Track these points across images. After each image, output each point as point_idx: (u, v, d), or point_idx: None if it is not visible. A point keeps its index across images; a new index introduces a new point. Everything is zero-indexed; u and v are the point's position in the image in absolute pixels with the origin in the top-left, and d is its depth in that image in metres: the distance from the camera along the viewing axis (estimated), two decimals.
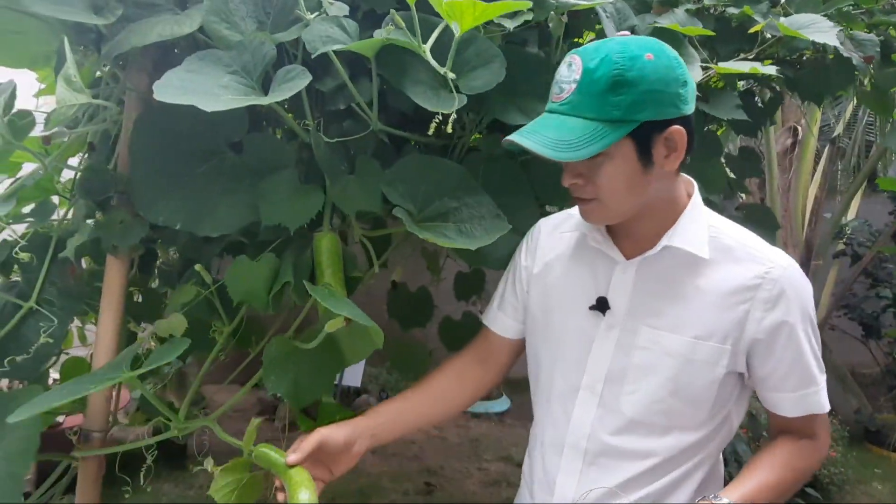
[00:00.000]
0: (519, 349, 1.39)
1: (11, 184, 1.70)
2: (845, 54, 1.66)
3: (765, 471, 1.13)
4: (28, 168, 1.86)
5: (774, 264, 1.11)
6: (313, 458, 1.15)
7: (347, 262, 1.50)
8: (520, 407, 5.41)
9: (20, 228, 1.60)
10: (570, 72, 1.05)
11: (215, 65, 1.21)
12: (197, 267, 1.33)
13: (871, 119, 5.85)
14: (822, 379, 1.15)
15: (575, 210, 1.26)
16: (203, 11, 1.24)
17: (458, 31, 1.21)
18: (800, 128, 5.00)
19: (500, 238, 1.36)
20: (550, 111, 1.08)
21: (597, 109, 1.01)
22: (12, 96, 1.37)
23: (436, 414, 1.36)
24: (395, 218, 1.68)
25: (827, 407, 1.16)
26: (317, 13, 1.30)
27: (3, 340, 1.25)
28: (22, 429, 1.11)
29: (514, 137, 1.06)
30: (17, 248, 1.24)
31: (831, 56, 1.85)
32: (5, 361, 1.21)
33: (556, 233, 1.31)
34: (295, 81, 1.19)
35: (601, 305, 1.17)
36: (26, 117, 1.40)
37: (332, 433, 1.16)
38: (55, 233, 1.33)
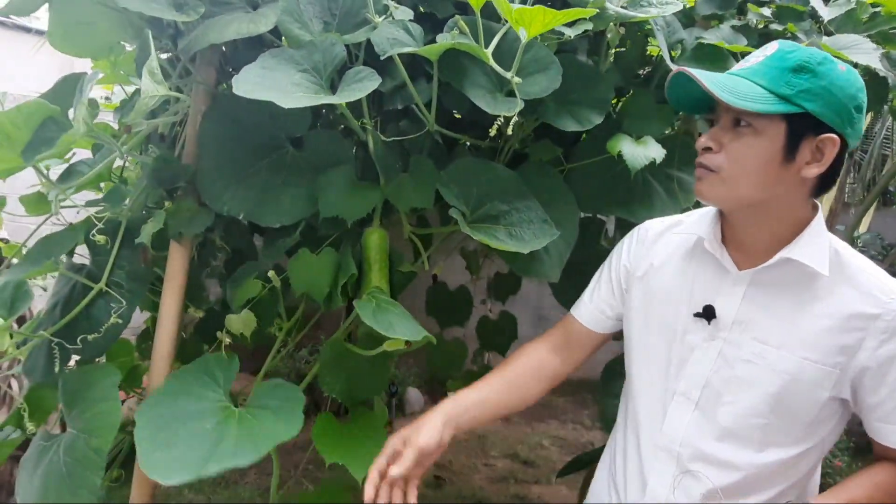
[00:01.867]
0: (598, 345, 1.39)
1: (66, 169, 1.76)
2: (882, 73, 1.69)
3: (857, 489, 1.13)
4: (80, 154, 1.92)
5: None
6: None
7: (395, 258, 1.55)
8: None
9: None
10: (763, 50, 1.07)
11: (288, 62, 1.26)
12: (270, 273, 1.38)
13: (887, 133, 5.87)
14: None
15: (685, 216, 1.28)
16: (277, 11, 1.29)
17: (525, 37, 1.24)
18: None
19: (553, 251, 1.40)
20: (728, 74, 1.08)
21: (772, 81, 1.02)
22: (89, 86, 1.43)
23: (512, 403, 1.34)
24: (439, 217, 1.74)
25: None
26: (384, 16, 1.35)
27: (75, 319, 1.30)
28: (103, 403, 1.16)
29: (689, 71, 1.05)
30: (94, 231, 1.29)
31: (864, 77, 1.88)
32: (78, 339, 1.26)
33: (668, 234, 1.29)
34: (364, 83, 1.23)
35: (707, 314, 1.15)
36: (94, 106, 1.46)
37: (427, 442, 1.15)
38: (124, 218, 1.38)
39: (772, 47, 1.06)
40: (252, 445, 1.13)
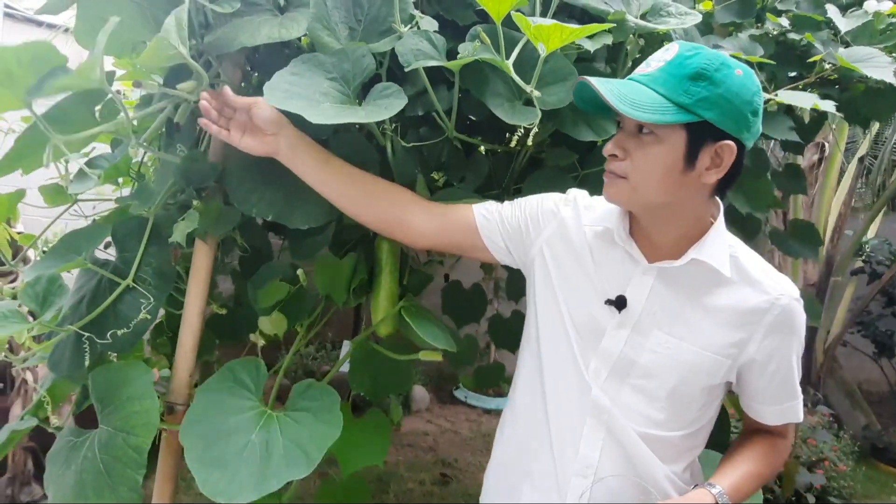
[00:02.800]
0: (469, 246, 1.38)
1: (85, 162, 1.78)
2: None
3: (748, 462, 1.24)
4: (100, 149, 1.95)
5: (784, 292, 1.17)
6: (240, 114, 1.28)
7: (409, 261, 1.58)
8: None
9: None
10: (664, 53, 1.10)
11: (317, 69, 1.28)
12: (299, 272, 1.41)
13: None
14: (800, 392, 1.26)
15: (599, 202, 1.31)
16: (308, 17, 1.31)
17: (543, 52, 1.26)
18: (827, 144, 5.03)
19: None
20: (629, 80, 1.11)
21: (671, 89, 1.05)
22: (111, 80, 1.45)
23: (345, 189, 1.35)
24: None
25: (802, 417, 1.27)
26: (409, 25, 1.37)
27: (102, 315, 1.33)
28: (140, 402, 1.19)
29: (589, 80, 1.07)
30: (123, 226, 1.31)
31: (877, 84, 1.90)
32: (108, 335, 1.29)
33: (583, 218, 1.31)
34: (391, 100, 1.25)
35: (619, 303, 1.21)
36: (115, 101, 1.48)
37: (267, 108, 1.25)
38: (151, 215, 1.41)
39: (672, 50, 1.08)
40: (303, 454, 1.17)
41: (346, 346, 2.34)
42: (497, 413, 5.28)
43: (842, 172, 5.38)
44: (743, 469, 1.22)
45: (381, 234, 1.42)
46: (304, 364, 4.89)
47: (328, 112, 1.18)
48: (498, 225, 1.35)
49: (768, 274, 1.20)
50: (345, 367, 1.61)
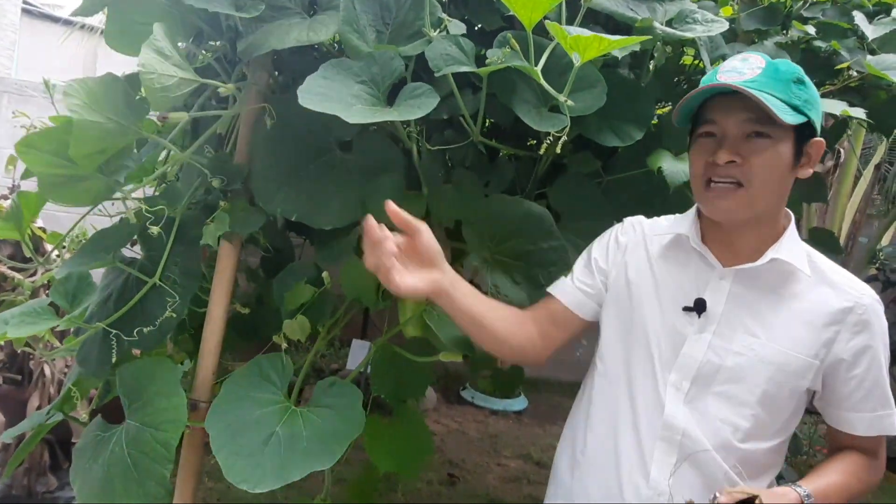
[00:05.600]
0: (575, 330, 1.38)
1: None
2: None
3: (836, 474, 1.21)
4: None
5: (865, 293, 1.19)
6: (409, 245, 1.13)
7: None
8: (537, 406, 5.49)
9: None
10: (747, 62, 1.13)
11: (347, 73, 1.29)
12: (324, 276, 1.42)
13: None
14: (893, 403, 1.22)
15: (661, 218, 1.35)
16: (337, 20, 1.32)
17: (578, 61, 1.25)
18: (842, 150, 5.01)
19: None
20: (730, 84, 1.11)
21: (785, 93, 1.10)
22: (137, 83, 1.47)
23: (490, 324, 1.27)
24: None
25: None
26: (438, 30, 1.37)
27: (129, 312, 1.35)
28: (167, 398, 1.21)
29: (742, 89, 1.09)
30: (150, 226, 1.33)
31: None
32: (135, 332, 1.31)
33: (648, 232, 1.34)
34: (421, 100, 1.26)
35: (699, 307, 1.21)
36: (144, 102, 1.49)
37: (431, 237, 1.13)
38: (178, 215, 1.42)
39: (756, 59, 1.13)
40: (325, 447, 1.18)
41: (355, 345, 2.34)
42: (504, 414, 5.29)
43: (857, 179, 5.36)
44: (832, 479, 1.19)
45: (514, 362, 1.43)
46: (313, 362, 4.90)
47: (363, 112, 1.19)
48: (578, 292, 1.35)
49: (846, 275, 1.22)
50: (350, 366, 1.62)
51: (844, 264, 4.40)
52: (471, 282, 2.06)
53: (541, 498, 1.43)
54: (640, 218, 1.39)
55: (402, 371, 1.48)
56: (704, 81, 1.18)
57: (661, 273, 1.27)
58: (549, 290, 1.39)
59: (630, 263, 1.31)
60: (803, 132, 1.14)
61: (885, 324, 1.20)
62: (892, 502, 4.21)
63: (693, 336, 1.20)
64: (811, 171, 1.18)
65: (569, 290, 1.37)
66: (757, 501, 1.04)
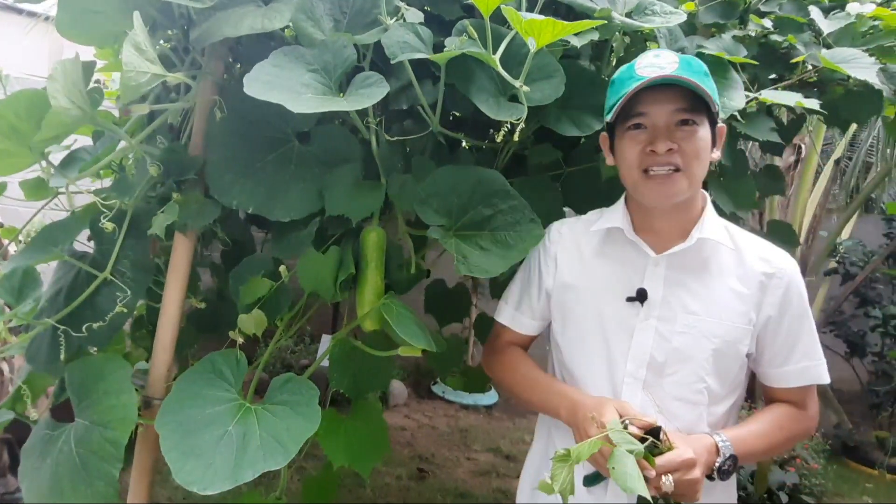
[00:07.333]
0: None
1: (66, 156, 1.75)
2: (877, 87, 1.73)
3: (757, 423, 1.29)
4: (82, 141, 1.91)
5: (783, 257, 1.31)
6: None
7: (394, 255, 1.57)
8: (507, 401, 5.51)
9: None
10: (660, 57, 1.21)
11: (298, 61, 1.27)
12: (281, 269, 1.40)
13: (872, 141, 5.96)
14: (822, 355, 1.32)
15: (584, 216, 1.43)
16: (292, 8, 1.29)
17: (534, 47, 1.26)
18: (804, 146, 5.09)
19: None
20: (668, 75, 1.19)
21: (703, 83, 1.19)
22: (91, 71, 1.43)
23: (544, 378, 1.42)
24: None
25: (827, 379, 1.31)
26: (395, 18, 1.36)
27: (79, 308, 1.31)
28: (116, 396, 1.18)
29: (686, 78, 1.18)
30: (102, 220, 1.29)
31: (856, 87, 1.92)
32: (83, 328, 1.27)
33: (577, 232, 1.42)
34: (372, 90, 1.25)
35: (641, 296, 1.28)
36: (97, 92, 1.46)
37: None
38: (130, 207, 1.38)
39: (670, 55, 1.22)
40: (279, 446, 1.16)
41: (325, 340, 2.32)
42: (474, 409, 5.30)
43: (817, 174, 5.46)
44: (752, 427, 1.28)
45: None
46: (282, 357, 4.86)
47: (310, 102, 1.17)
48: (523, 316, 1.46)
49: (763, 244, 1.33)
50: (325, 362, 1.60)
51: (805, 258, 4.46)
52: (427, 272, 2.05)
53: (510, 490, 1.44)
54: (562, 222, 1.48)
55: (360, 365, 1.46)
56: (622, 79, 1.25)
57: (600, 269, 1.35)
58: (502, 321, 1.50)
59: (565, 268, 1.39)
60: (713, 119, 1.25)
61: (803, 282, 1.32)
62: (891, 503, 4.31)
63: (640, 324, 1.28)
64: (719, 154, 1.29)
65: (513, 317, 1.48)
66: (662, 435, 1.11)
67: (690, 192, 1.25)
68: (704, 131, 1.22)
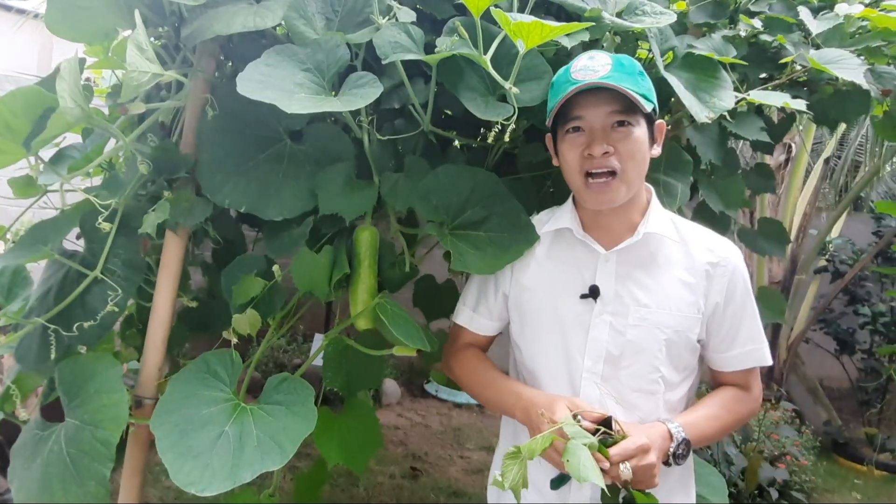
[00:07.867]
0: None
1: (56, 153, 1.74)
2: (865, 86, 1.74)
3: (706, 408, 1.34)
4: (71, 139, 1.90)
5: (727, 246, 1.35)
6: None
7: (387, 252, 1.57)
8: None
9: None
10: (595, 59, 1.23)
11: (291, 60, 1.27)
12: (274, 268, 1.39)
13: (861, 140, 6.00)
14: (765, 339, 1.37)
15: (540, 215, 1.45)
16: (284, 6, 1.29)
17: (522, 49, 1.26)
18: (794, 145, 5.12)
19: None
20: (594, 81, 1.20)
21: (636, 84, 1.22)
22: (81, 69, 1.42)
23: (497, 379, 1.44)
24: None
25: (770, 361, 1.37)
26: (387, 17, 1.36)
27: (69, 307, 1.31)
28: (108, 395, 1.17)
29: (614, 85, 1.19)
30: (100, 219, 1.28)
31: (844, 87, 1.93)
32: (74, 327, 1.27)
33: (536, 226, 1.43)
34: (366, 90, 1.25)
35: (594, 292, 1.31)
36: (87, 89, 1.45)
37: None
38: (120, 206, 1.38)
39: (603, 57, 1.24)
40: (276, 447, 1.16)
41: (318, 339, 2.32)
42: (468, 407, 5.30)
43: (807, 173, 5.49)
44: (701, 412, 1.32)
45: None
46: (275, 357, 4.85)
47: (303, 102, 1.17)
48: (481, 317, 1.48)
49: (708, 233, 1.38)
50: (317, 361, 1.60)
51: (796, 255, 4.48)
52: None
53: None
54: None
55: (354, 364, 1.46)
56: (560, 82, 1.27)
57: (554, 269, 1.37)
58: (460, 323, 1.51)
59: (520, 270, 1.41)
60: (651, 117, 1.27)
61: (746, 269, 1.36)
62: (890, 503, 4.34)
63: (595, 320, 1.30)
64: (659, 149, 1.32)
65: (471, 318, 1.49)
66: (615, 425, 1.13)
67: (630, 194, 1.28)
68: (640, 131, 1.25)
